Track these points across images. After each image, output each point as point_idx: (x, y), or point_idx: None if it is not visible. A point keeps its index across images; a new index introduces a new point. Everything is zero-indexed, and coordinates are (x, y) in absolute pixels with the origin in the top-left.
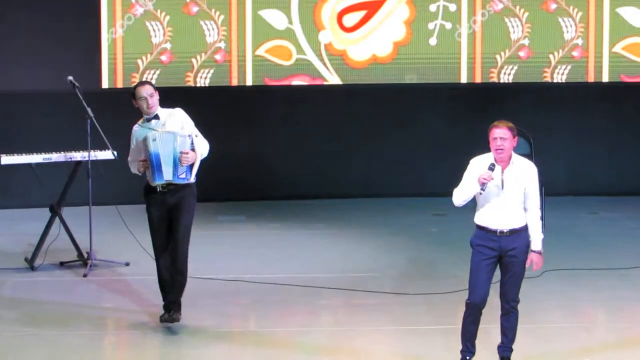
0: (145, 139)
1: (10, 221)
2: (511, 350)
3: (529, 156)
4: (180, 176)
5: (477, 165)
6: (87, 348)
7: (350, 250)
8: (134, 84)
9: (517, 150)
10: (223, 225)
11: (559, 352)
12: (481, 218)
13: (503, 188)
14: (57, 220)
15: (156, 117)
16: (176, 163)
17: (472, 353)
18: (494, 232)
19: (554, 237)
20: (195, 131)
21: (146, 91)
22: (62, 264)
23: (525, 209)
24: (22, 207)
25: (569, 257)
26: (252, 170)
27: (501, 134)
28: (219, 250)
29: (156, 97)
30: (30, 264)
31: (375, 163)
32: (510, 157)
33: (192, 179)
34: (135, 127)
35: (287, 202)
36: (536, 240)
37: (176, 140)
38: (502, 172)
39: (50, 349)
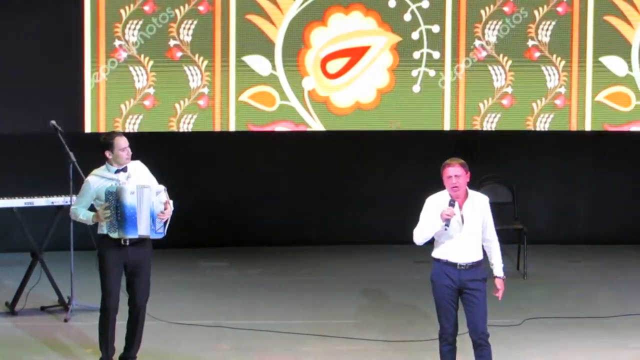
0: (118, 192)
1: None
2: None
3: (510, 204)
4: (159, 231)
5: (434, 203)
6: None
7: (332, 296)
8: (105, 135)
9: (499, 198)
10: (205, 270)
11: None
12: (441, 252)
13: (463, 223)
14: (38, 264)
15: (124, 169)
16: (154, 218)
17: None
18: (453, 265)
19: (536, 285)
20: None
21: (125, 142)
22: (43, 309)
23: (485, 240)
24: (3, 251)
25: (551, 305)
26: (235, 216)
27: (455, 172)
28: (200, 295)
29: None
30: (11, 308)
31: (357, 210)
32: (466, 193)
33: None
34: (93, 178)
35: (269, 248)
36: (499, 266)
37: (152, 195)
38: (461, 207)
39: None
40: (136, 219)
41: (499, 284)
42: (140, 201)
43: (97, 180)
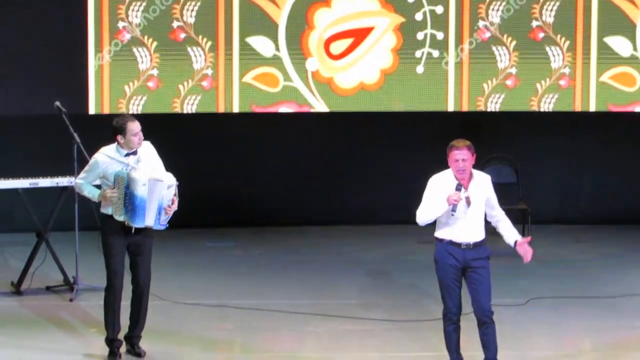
0: (129, 180)
1: None
2: None
3: (515, 185)
4: (162, 223)
5: (439, 183)
6: None
7: (337, 277)
8: (118, 119)
9: (503, 178)
10: (210, 251)
11: None
12: (445, 232)
13: (469, 205)
14: (43, 245)
15: (134, 152)
16: (160, 211)
17: None
18: (458, 245)
19: (540, 265)
20: (163, 169)
21: (138, 126)
22: (48, 289)
23: (492, 217)
24: (8, 231)
25: (555, 285)
26: (240, 197)
27: (462, 155)
28: (205, 275)
29: None
30: (17, 288)
31: (361, 190)
32: (471, 174)
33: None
34: (102, 158)
35: (274, 228)
36: (515, 232)
37: (163, 189)
38: (466, 189)
39: None
40: (145, 211)
41: (525, 244)
42: (151, 194)
43: (107, 161)
